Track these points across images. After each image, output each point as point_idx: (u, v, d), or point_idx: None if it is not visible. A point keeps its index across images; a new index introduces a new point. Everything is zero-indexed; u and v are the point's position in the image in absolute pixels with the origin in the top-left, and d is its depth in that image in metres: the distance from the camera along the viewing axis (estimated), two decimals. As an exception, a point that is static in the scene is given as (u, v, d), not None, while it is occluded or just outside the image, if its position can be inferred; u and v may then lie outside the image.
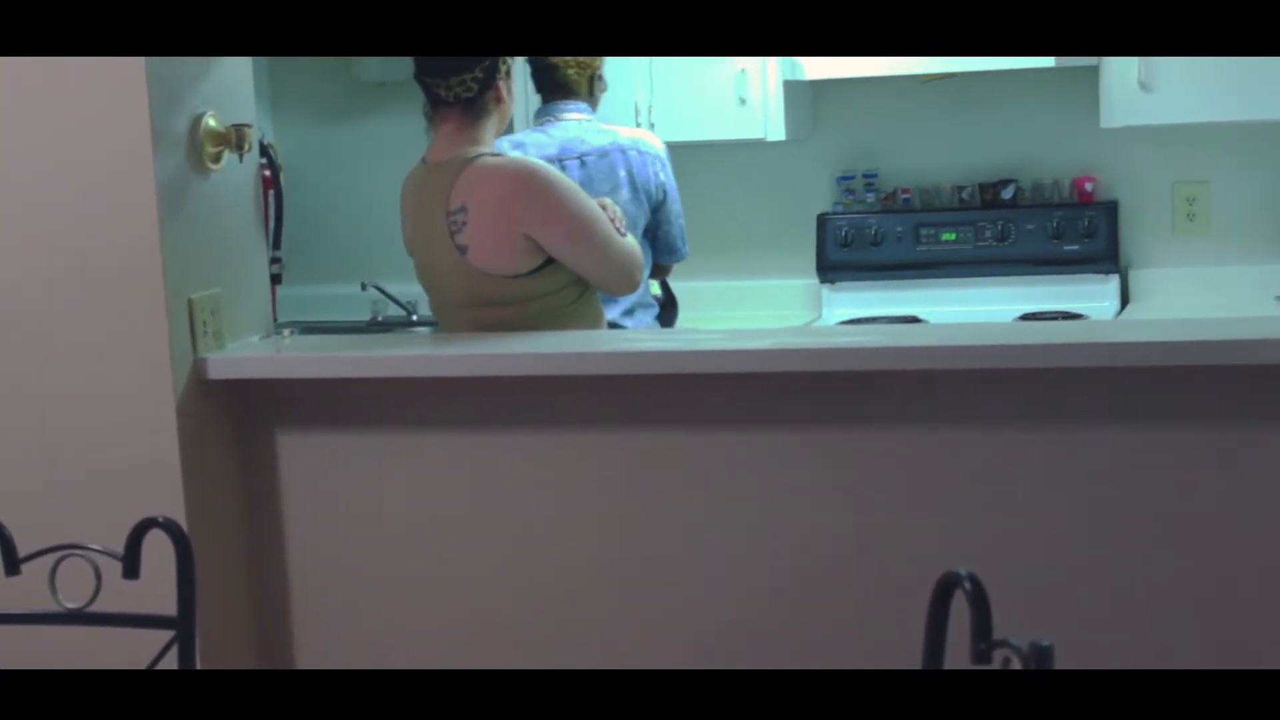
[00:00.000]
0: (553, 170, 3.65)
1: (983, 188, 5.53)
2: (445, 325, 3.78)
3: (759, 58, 5.28)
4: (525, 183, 3.57)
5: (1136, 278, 5.42)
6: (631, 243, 3.74)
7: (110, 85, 3.16)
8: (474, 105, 3.65)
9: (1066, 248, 5.38)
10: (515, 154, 3.81)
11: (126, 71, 3.14)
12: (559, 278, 3.60)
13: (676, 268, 4.88)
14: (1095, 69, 5.10)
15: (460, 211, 3.58)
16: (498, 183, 3.58)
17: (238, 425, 3.42)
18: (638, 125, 5.40)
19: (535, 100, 4.50)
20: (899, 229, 5.53)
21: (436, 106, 3.66)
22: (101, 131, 3.19)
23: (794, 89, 5.38)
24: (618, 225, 3.68)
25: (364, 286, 5.75)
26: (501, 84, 3.67)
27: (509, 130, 3.99)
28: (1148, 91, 5.00)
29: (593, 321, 3.72)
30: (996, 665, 1.64)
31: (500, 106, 3.68)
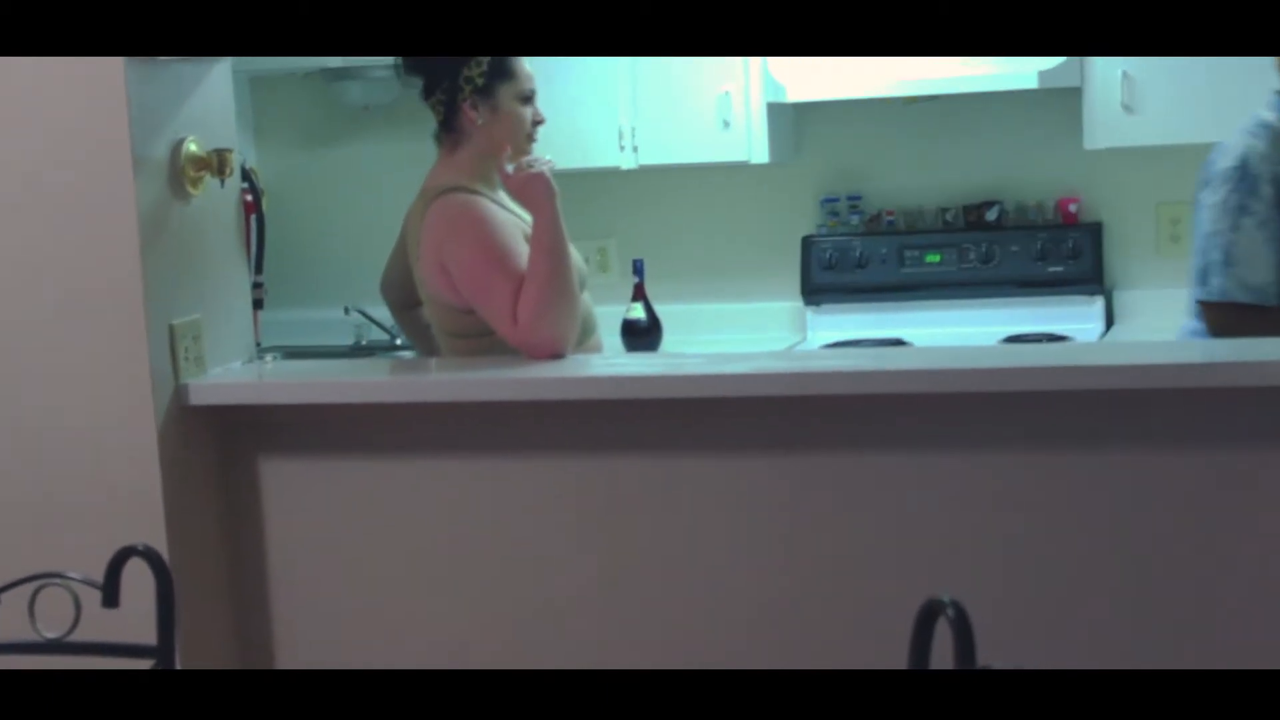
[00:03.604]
0: (487, 210, 3.53)
1: (967, 210, 5.53)
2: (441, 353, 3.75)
3: (742, 79, 5.28)
4: (451, 217, 3.52)
5: (1121, 299, 5.43)
6: (559, 313, 3.42)
7: (90, 110, 3.15)
8: (450, 129, 3.63)
9: (1051, 269, 5.39)
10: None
11: (107, 96, 3.13)
12: None
13: (661, 290, 4.89)
14: (1078, 90, 5.10)
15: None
16: (436, 212, 3.55)
17: (219, 451, 3.40)
18: (621, 149, 5.40)
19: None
20: (883, 251, 5.53)
21: (437, 129, 3.66)
22: (82, 157, 3.18)
23: (777, 112, 5.38)
24: (556, 282, 3.44)
25: (347, 311, 5.73)
26: (467, 105, 3.58)
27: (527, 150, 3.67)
28: (1130, 113, 5.01)
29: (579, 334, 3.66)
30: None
31: (481, 130, 3.59)
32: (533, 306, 3.40)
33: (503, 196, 3.61)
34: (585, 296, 3.66)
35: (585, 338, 3.65)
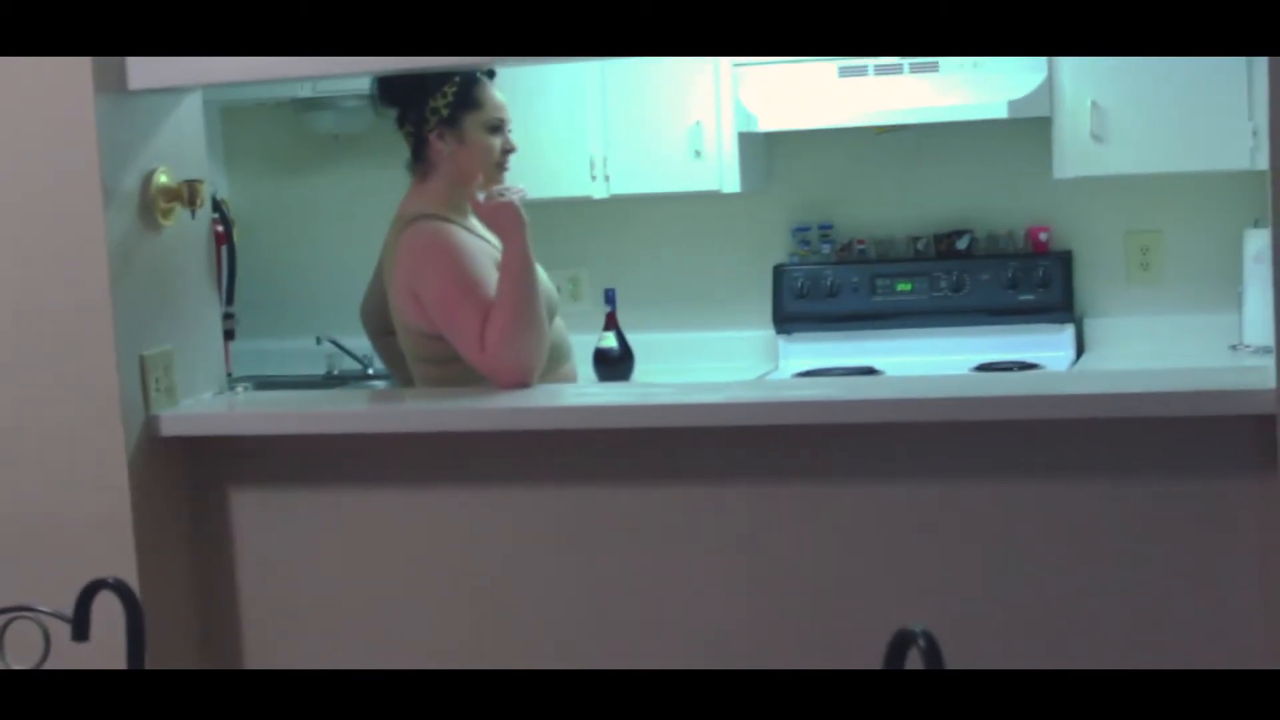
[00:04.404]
0: (458, 237, 3.55)
1: (938, 238, 5.55)
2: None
3: (714, 109, 5.29)
4: (422, 244, 3.55)
5: (1091, 327, 5.45)
6: (526, 341, 3.43)
7: (61, 141, 3.15)
8: (420, 159, 3.65)
9: (1021, 297, 5.40)
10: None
11: (77, 127, 3.13)
12: None
13: (632, 319, 4.88)
14: (1048, 120, 5.13)
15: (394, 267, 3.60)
16: (407, 239, 3.57)
17: (190, 482, 3.39)
18: (592, 178, 5.40)
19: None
20: (855, 280, 5.55)
21: (410, 159, 3.69)
22: (52, 188, 3.18)
23: (749, 141, 5.39)
24: (524, 310, 3.45)
25: (319, 340, 5.72)
26: (434, 136, 3.61)
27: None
28: (1100, 142, 5.03)
29: (550, 361, 3.65)
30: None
31: (449, 160, 3.61)
32: (500, 333, 3.42)
33: (474, 224, 3.63)
34: (558, 324, 3.67)
35: (559, 365, 3.66)
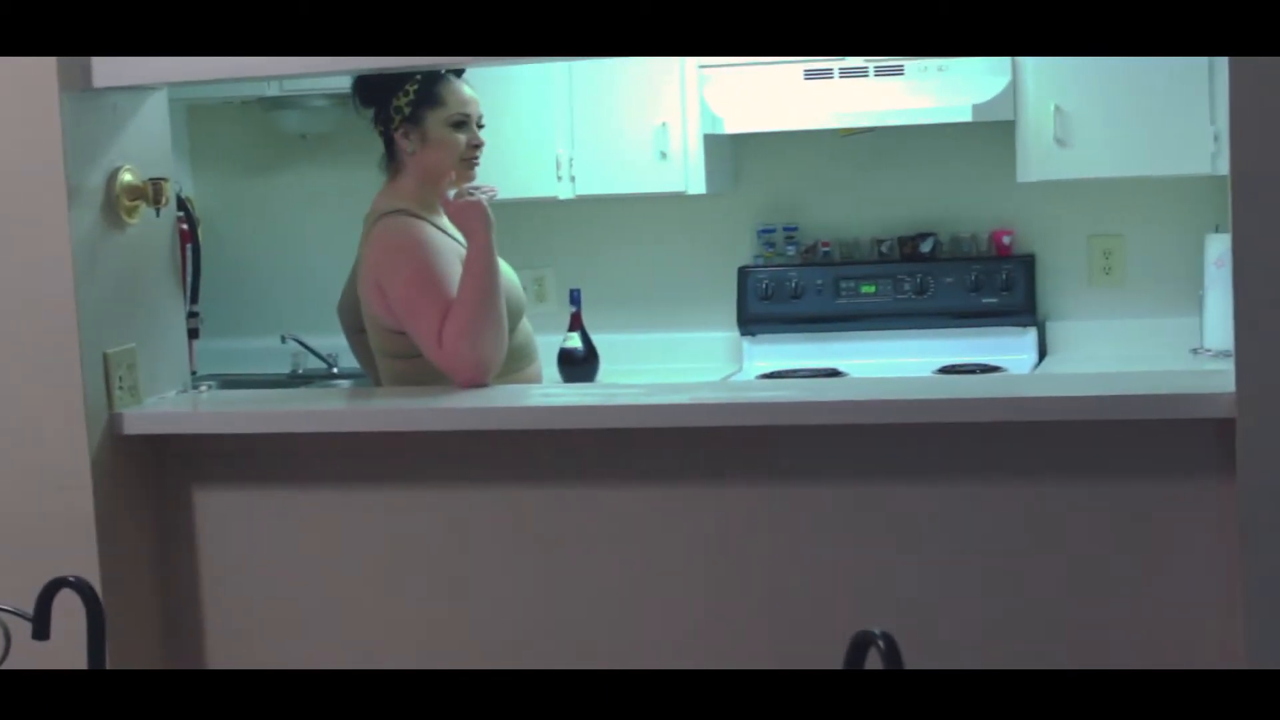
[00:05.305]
0: (425, 233, 3.57)
1: (902, 241, 5.57)
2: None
3: (679, 111, 5.30)
4: (389, 239, 3.58)
5: (1054, 329, 5.48)
6: (484, 339, 3.45)
7: (25, 139, 3.15)
8: (391, 157, 3.68)
9: (985, 300, 5.43)
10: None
11: (41, 125, 3.13)
12: None
13: (598, 320, 4.89)
14: (1011, 124, 5.15)
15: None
16: (377, 233, 3.60)
17: (154, 481, 3.39)
18: (558, 179, 5.41)
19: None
20: (819, 282, 5.56)
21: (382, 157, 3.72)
22: (16, 185, 3.17)
23: (714, 143, 5.40)
24: (486, 309, 3.46)
25: (284, 339, 5.72)
26: (399, 134, 3.64)
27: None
28: (1063, 146, 5.06)
29: (514, 361, 3.65)
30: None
31: (414, 158, 3.63)
32: (458, 331, 3.45)
33: (444, 221, 3.64)
34: (524, 325, 3.68)
35: (525, 366, 3.68)
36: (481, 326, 3.46)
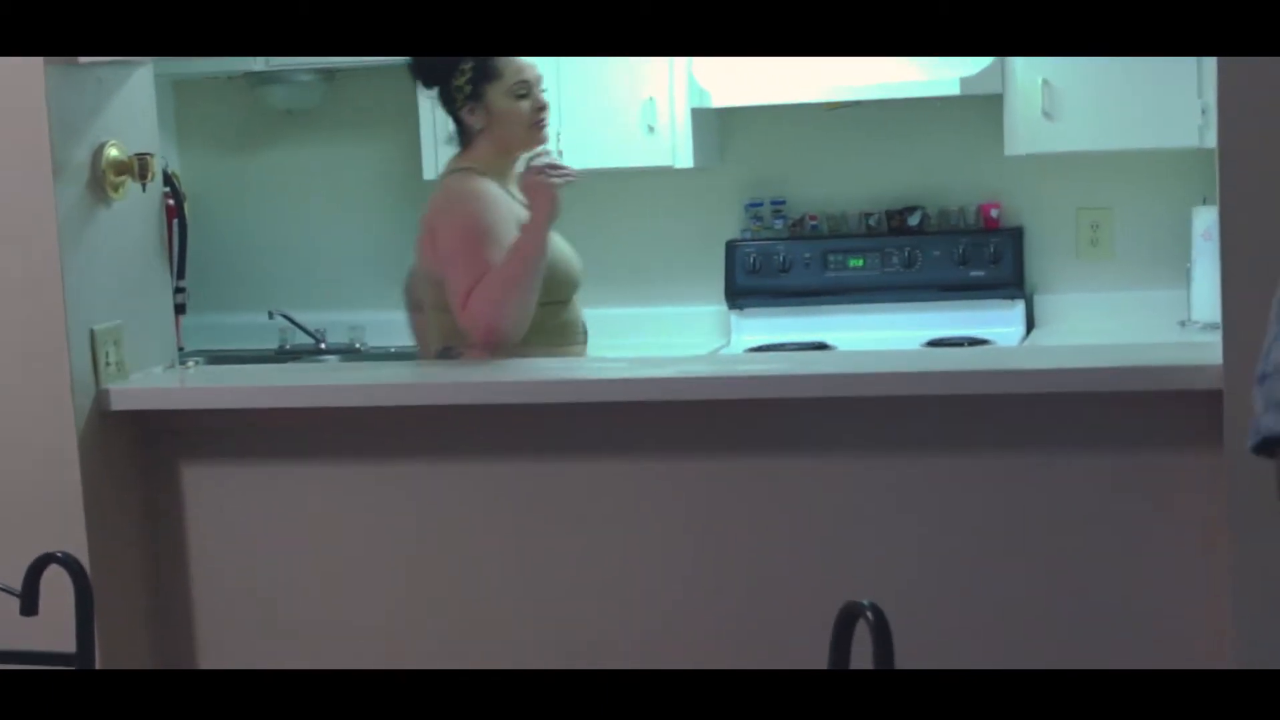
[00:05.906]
0: (488, 191, 3.59)
1: (890, 214, 5.57)
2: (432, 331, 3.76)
3: (667, 85, 5.29)
4: (454, 190, 3.62)
5: (1042, 302, 5.48)
6: (507, 313, 3.49)
7: (10, 114, 3.14)
8: (461, 133, 3.70)
9: (972, 273, 5.42)
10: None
11: (26, 100, 3.12)
12: None
13: (584, 294, 4.84)
14: (999, 97, 5.14)
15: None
16: (445, 185, 3.66)
17: (141, 457, 3.38)
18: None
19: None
20: (807, 255, 5.56)
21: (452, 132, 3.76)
22: (1, 161, 3.15)
23: (702, 116, 5.39)
24: (503, 277, 3.49)
25: (271, 315, 5.70)
26: (465, 112, 3.65)
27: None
28: (1051, 120, 5.06)
29: (559, 337, 3.70)
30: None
31: (483, 133, 3.65)
32: (486, 298, 3.48)
33: (515, 189, 3.65)
34: (576, 302, 3.72)
35: (572, 345, 3.74)
36: (509, 301, 3.48)
